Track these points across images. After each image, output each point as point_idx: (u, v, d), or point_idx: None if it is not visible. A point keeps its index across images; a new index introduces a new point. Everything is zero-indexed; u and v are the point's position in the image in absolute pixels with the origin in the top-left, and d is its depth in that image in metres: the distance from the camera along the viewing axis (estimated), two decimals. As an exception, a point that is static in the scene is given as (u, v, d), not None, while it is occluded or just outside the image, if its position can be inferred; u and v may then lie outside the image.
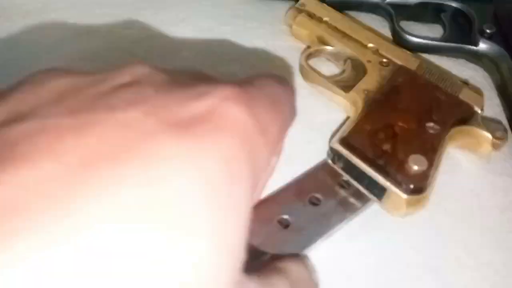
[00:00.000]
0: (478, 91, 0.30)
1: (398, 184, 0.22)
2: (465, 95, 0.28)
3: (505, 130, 0.28)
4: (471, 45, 0.34)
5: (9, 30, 0.33)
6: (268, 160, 0.16)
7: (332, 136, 0.27)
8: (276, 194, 0.24)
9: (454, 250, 0.24)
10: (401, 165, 0.23)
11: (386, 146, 0.24)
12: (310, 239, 0.22)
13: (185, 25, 0.35)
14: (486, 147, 0.27)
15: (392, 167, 0.23)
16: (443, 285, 0.23)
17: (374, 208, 0.24)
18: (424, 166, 0.23)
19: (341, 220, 0.23)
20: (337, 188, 0.24)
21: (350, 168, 0.24)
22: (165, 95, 0.14)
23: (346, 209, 0.24)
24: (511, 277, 0.23)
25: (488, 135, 0.27)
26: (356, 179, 0.24)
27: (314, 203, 0.23)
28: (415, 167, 0.23)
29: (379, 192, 0.23)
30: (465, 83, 0.30)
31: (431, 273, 0.23)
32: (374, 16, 0.37)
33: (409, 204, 0.23)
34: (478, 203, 0.26)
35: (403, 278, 0.23)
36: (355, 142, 0.24)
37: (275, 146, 0.17)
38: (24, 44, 0.32)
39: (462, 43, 0.34)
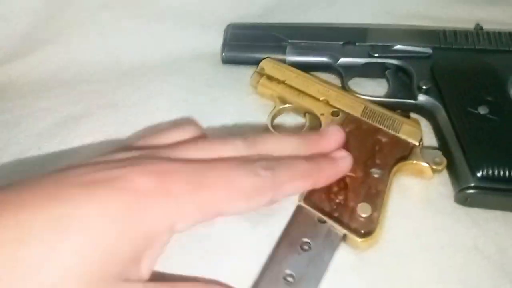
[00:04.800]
0: (416, 125, 0.33)
1: (352, 231, 0.27)
2: (404, 132, 0.32)
3: (443, 155, 0.31)
4: (411, 99, 0.37)
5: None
6: (169, 224, 0.21)
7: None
8: (273, 252, 0.26)
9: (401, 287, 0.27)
10: (352, 214, 0.27)
11: (340, 198, 0.28)
12: (313, 284, 0.24)
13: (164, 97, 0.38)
14: (428, 174, 0.31)
15: (345, 217, 0.27)
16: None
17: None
18: (369, 212, 0.27)
19: (331, 255, 0.26)
20: (318, 224, 0.27)
21: None
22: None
23: (331, 243, 0.26)
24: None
25: (426, 165, 0.31)
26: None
27: (305, 248, 0.25)
28: (363, 215, 0.27)
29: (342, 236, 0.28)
30: (406, 116, 0.34)
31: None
32: (328, 74, 0.40)
33: (365, 243, 0.27)
34: (420, 242, 0.29)
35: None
36: (315, 198, 0.28)
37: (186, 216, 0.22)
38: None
39: (403, 98, 0.37)
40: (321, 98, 0.35)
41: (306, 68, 0.41)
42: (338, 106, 0.34)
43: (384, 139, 0.32)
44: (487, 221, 0.31)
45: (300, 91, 0.36)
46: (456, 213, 0.31)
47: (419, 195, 0.32)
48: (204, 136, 0.29)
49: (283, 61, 0.41)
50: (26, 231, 0.17)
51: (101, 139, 0.35)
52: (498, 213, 0.31)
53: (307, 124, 0.35)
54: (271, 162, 0.25)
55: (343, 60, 0.40)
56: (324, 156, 0.29)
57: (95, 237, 0.18)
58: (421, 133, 0.33)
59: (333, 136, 0.30)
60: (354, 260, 0.28)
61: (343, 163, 0.29)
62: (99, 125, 0.36)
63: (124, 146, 0.27)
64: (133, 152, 0.24)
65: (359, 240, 0.27)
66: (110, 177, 0.20)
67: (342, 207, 0.28)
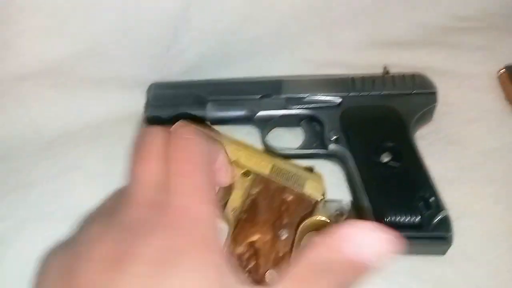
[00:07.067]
0: (319, 179, 0.34)
1: (263, 301, 0.27)
2: (309, 187, 0.33)
3: (343, 207, 0.32)
4: (323, 148, 0.38)
5: None
6: None
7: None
8: None
9: None
10: (262, 282, 0.27)
11: (251, 265, 0.28)
12: None
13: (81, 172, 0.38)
14: (331, 226, 0.32)
15: (256, 284, 0.27)
16: None
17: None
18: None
19: None
20: None
21: None
22: None
23: None
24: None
25: (327, 220, 0.31)
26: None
27: None
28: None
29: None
30: (310, 170, 0.35)
31: None
32: (250, 127, 0.41)
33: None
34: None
35: None
36: None
37: None
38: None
39: (316, 147, 0.39)
40: (233, 159, 0.35)
41: (228, 122, 0.42)
42: (248, 166, 0.34)
43: (289, 198, 0.32)
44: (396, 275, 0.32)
45: None
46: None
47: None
48: None
49: (204, 118, 0.41)
50: None
51: (12, 225, 0.34)
52: (406, 265, 0.32)
53: (221, 189, 0.35)
54: None
55: (261, 113, 0.41)
56: None
57: None
58: (323, 187, 0.33)
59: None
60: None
61: None
62: (13, 208, 0.35)
63: None
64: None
65: (268, 308, 0.27)
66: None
67: (253, 274, 0.28)
